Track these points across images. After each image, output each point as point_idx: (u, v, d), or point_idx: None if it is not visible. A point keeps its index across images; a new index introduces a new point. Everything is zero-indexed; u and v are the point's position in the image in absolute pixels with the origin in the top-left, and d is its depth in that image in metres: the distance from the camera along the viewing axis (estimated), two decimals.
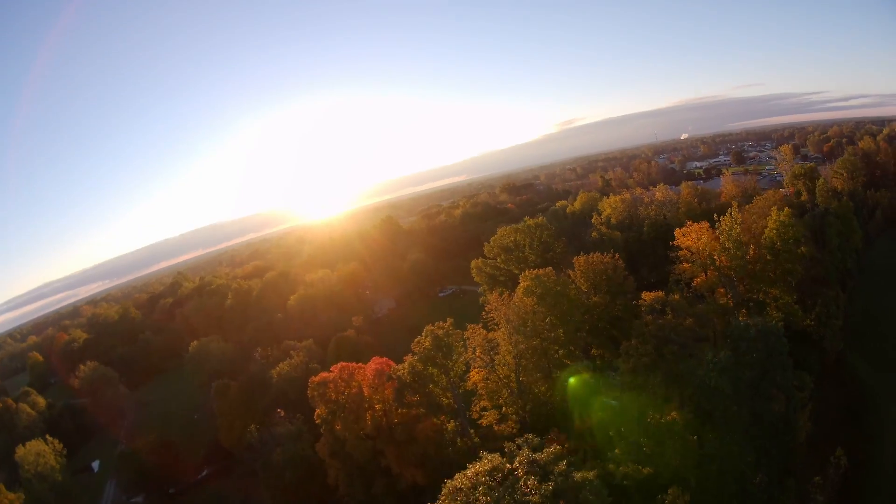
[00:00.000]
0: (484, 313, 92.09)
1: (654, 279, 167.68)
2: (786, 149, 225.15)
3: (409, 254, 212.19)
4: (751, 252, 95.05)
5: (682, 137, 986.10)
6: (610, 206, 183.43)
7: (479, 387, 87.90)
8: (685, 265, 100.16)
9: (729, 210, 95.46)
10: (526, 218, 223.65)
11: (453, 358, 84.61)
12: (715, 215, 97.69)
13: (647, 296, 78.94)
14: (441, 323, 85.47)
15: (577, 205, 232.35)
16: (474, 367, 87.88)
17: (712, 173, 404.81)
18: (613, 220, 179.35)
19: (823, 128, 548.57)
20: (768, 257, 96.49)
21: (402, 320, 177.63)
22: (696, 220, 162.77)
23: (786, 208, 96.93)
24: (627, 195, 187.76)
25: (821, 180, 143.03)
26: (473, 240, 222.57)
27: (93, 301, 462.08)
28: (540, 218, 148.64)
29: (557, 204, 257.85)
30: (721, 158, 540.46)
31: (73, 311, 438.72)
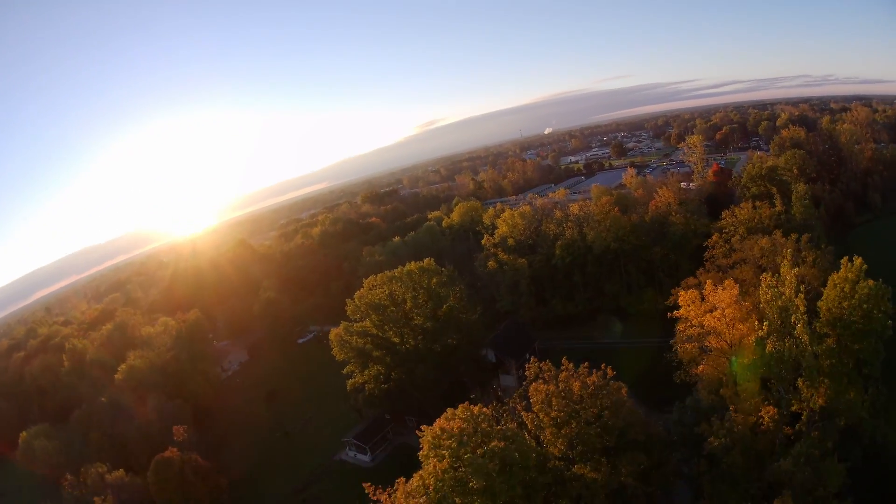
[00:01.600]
0: None
1: (566, 313, 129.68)
2: (695, 140, 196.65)
3: (263, 287, 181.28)
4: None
5: (545, 132, 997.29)
6: (506, 224, 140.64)
7: None
8: (687, 347, 56.00)
9: (782, 269, 51.03)
10: (397, 238, 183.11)
11: None
12: (769, 274, 52.81)
13: None
14: None
15: (456, 217, 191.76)
16: None
17: (593, 168, 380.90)
18: (511, 241, 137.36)
19: (700, 114, 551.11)
20: (828, 333, 53.93)
21: (256, 381, 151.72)
22: (627, 238, 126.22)
23: (858, 259, 53.84)
24: (527, 208, 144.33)
25: (801, 186, 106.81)
26: (335, 266, 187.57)
27: None
28: (427, 261, 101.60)
29: (430, 216, 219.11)
30: (596, 151, 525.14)
31: None
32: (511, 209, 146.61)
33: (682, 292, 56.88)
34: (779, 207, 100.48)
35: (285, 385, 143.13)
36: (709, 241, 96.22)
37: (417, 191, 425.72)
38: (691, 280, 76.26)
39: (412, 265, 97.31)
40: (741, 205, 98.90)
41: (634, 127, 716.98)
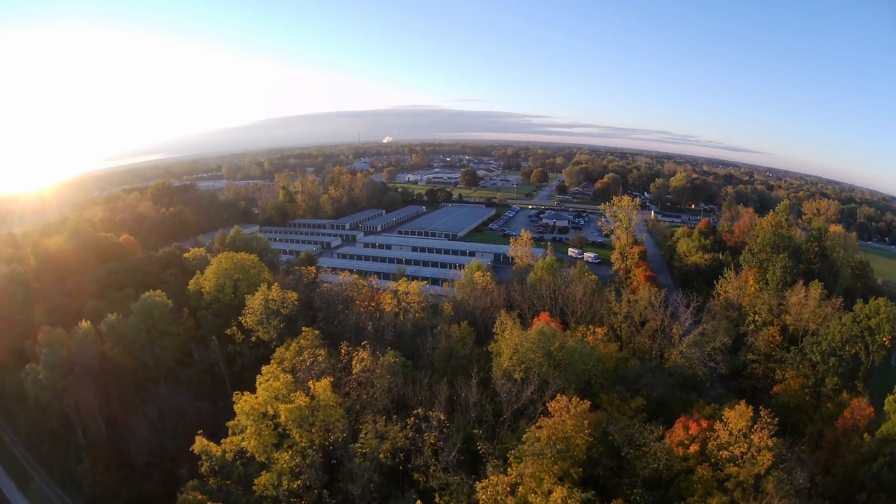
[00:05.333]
0: None
1: None
2: (627, 202, 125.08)
3: None
4: None
5: (384, 141, 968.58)
6: (255, 434, 53.18)
7: None
8: None
9: None
10: (86, 323, 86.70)
11: None
12: None
13: None
14: None
15: (210, 279, 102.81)
16: None
17: (438, 197, 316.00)
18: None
19: (554, 151, 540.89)
20: None
21: None
22: None
23: None
24: (325, 385, 55.31)
25: None
26: (21, 334, 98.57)
27: None
28: None
29: (189, 255, 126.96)
30: (439, 173, 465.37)
31: None
32: (283, 374, 57.38)
33: None
34: None
35: None
36: None
37: (221, 187, 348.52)
38: None
39: None
40: None
41: (480, 152, 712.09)
